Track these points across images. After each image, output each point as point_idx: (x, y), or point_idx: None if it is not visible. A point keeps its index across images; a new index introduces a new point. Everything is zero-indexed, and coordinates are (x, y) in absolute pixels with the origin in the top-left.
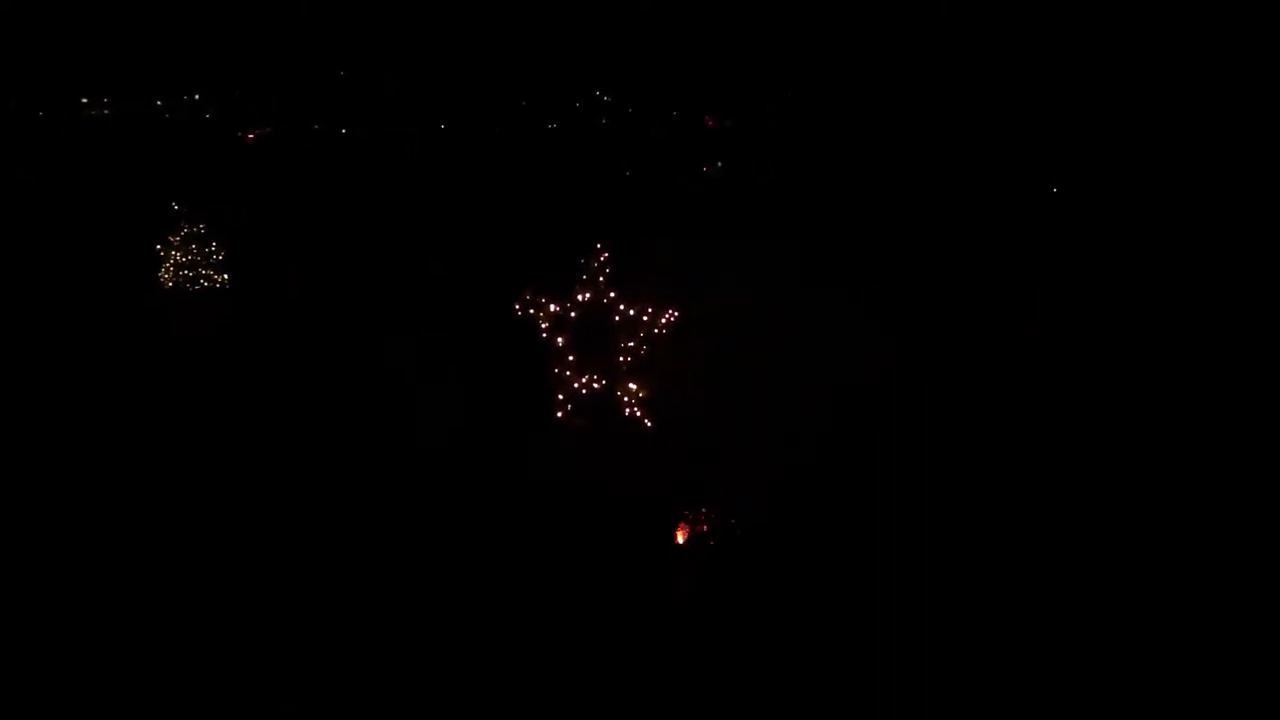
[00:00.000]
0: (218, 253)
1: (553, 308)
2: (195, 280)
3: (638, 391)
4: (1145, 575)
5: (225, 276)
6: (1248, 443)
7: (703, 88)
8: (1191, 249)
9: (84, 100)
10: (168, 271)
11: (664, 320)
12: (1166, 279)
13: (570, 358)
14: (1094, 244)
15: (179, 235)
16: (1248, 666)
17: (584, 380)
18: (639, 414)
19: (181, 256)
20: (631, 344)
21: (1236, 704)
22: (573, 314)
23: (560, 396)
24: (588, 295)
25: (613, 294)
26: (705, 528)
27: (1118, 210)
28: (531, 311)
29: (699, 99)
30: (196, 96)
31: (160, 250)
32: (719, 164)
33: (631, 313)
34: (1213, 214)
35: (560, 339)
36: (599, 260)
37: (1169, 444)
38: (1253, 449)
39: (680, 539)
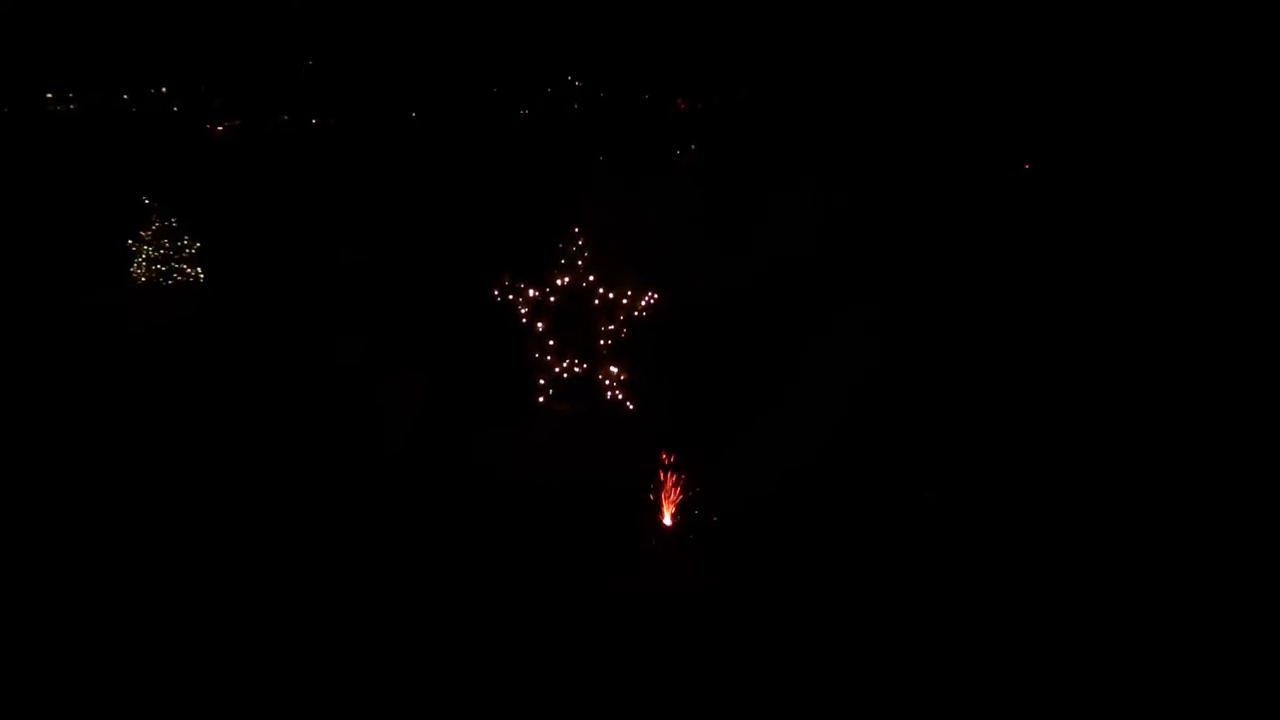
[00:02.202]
0: (190, 246)
1: (531, 293)
2: (168, 274)
3: (619, 375)
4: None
5: (198, 270)
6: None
7: (674, 72)
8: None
9: (49, 95)
10: (139, 266)
11: (644, 303)
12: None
13: (550, 342)
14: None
15: (150, 229)
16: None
17: (565, 365)
18: (621, 397)
19: (154, 251)
20: (611, 327)
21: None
22: (552, 299)
23: (542, 381)
24: (566, 280)
25: (591, 278)
26: (690, 510)
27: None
28: (510, 297)
29: (671, 83)
30: (164, 90)
31: (132, 245)
32: (692, 147)
33: (611, 296)
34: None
35: (540, 324)
36: (577, 244)
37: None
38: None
39: (668, 520)
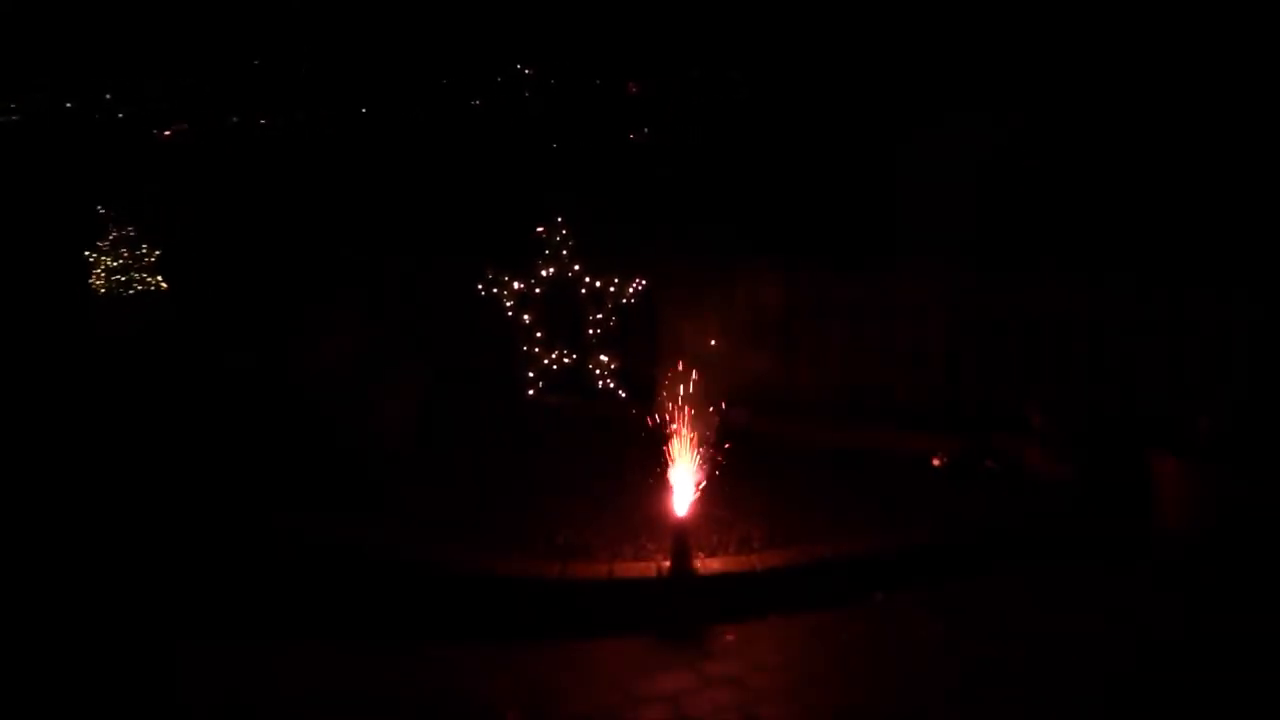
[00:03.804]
0: (149, 255)
1: (516, 285)
2: (128, 284)
3: (610, 363)
4: None
5: (159, 279)
6: None
7: (624, 55)
8: None
9: None
10: (99, 277)
11: (632, 290)
12: None
13: (538, 334)
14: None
15: (108, 239)
16: None
17: (554, 356)
18: (612, 386)
19: (112, 261)
20: (600, 316)
21: None
22: (537, 290)
23: (531, 374)
24: (552, 270)
25: (577, 267)
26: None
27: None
28: (495, 290)
29: (621, 67)
30: (108, 96)
31: (90, 256)
32: (645, 130)
33: (598, 285)
34: None
35: (526, 316)
36: (561, 234)
37: None
38: None
39: (681, 512)
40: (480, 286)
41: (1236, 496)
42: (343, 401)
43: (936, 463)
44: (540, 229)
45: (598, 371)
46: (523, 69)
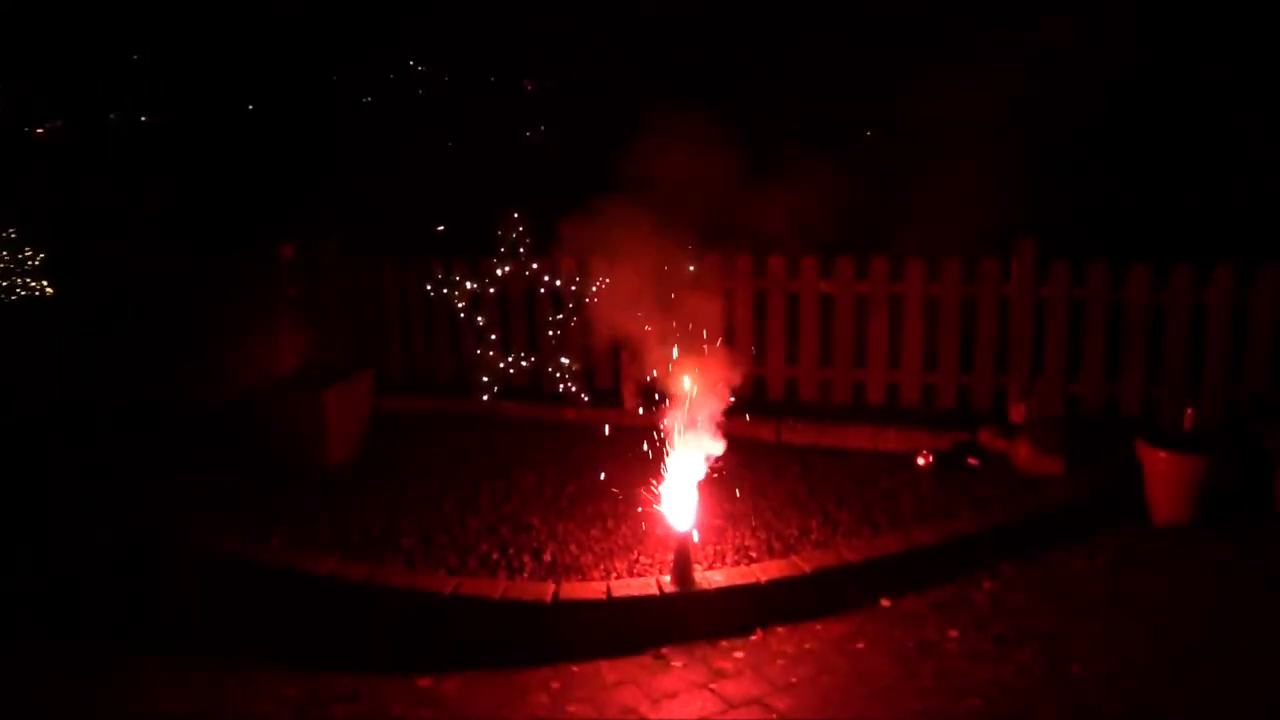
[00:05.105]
0: (34, 258)
1: (469, 285)
2: (11, 290)
3: (570, 365)
4: None
5: (44, 283)
6: None
7: (519, 51)
8: None
9: None
10: None
11: (594, 288)
12: None
13: (493, 337)
14: None
15: None
16: None
17: (510, 359)
18: (575, 389)
19: None
20: (560, 317)
21: None
22: (491, 290)
23: (485, 379)
24: (508, 269)
25: (535, 265)
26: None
27: None
28: (445, 291)
29: (516, 64)
30: None
31: None
32: (541, 128)
33: (558, 284)
34: None
35: (480, 318)
36: (517, 230)
37: None
38: None
39: (680, 527)
40: (430, 287)
41: (1227, 485)
42: (281, 417)
43: (921, 462)
44: (495, 226)
45: (558, 375)
46: (415, 65)
